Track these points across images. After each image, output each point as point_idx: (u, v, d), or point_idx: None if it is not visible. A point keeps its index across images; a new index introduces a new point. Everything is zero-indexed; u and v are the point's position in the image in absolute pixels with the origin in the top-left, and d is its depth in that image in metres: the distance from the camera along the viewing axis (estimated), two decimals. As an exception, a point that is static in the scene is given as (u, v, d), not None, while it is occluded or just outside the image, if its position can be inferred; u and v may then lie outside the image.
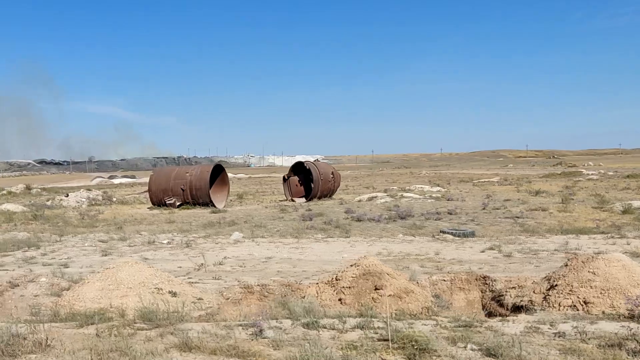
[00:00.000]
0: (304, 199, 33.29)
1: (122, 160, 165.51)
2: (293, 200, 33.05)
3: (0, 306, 10.18)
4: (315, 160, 34.71)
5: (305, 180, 34.38)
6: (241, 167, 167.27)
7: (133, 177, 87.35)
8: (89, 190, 37.10)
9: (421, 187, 35.18)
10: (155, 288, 9.63)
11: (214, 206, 30.43)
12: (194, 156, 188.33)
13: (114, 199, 35.07)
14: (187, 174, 31.34)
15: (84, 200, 33.29)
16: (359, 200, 30.28)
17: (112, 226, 22.50)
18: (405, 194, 30.74)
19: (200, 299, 10.04)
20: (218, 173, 32.48)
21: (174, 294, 9.67)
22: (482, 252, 14.09)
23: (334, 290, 9.62)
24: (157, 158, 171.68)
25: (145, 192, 45.28)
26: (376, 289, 9.25)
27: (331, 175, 33.46)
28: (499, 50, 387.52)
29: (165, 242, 16.68)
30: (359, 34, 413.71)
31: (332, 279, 9.92)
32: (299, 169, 34.61)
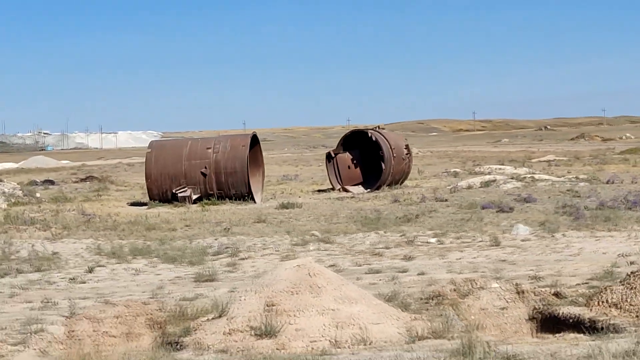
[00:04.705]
0: (361, 188, 23.04)
1: None
2: (346, 190, 22.65)
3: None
4: (376, 128, 24.16)
5: (361, 159, 24.09)
6: (30, 150, 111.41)
7: None
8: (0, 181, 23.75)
9: (500, 168, 25.98)
10: None
11: (253, 200, 19.76)
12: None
13: (38, 195, 22.68)
14: (209, 150, 20.37)
15: (-1, 196, 20.97)
16: (469, 187, 20.60)
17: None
18: (535, 177, 21.43)
19: None
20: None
21: None
22: None
23: None
24: None
25: (46, 181, 30.75)
26: None
27: (405, 151, 23.47)
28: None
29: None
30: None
31: None
32: (352, 142, 24.22)
